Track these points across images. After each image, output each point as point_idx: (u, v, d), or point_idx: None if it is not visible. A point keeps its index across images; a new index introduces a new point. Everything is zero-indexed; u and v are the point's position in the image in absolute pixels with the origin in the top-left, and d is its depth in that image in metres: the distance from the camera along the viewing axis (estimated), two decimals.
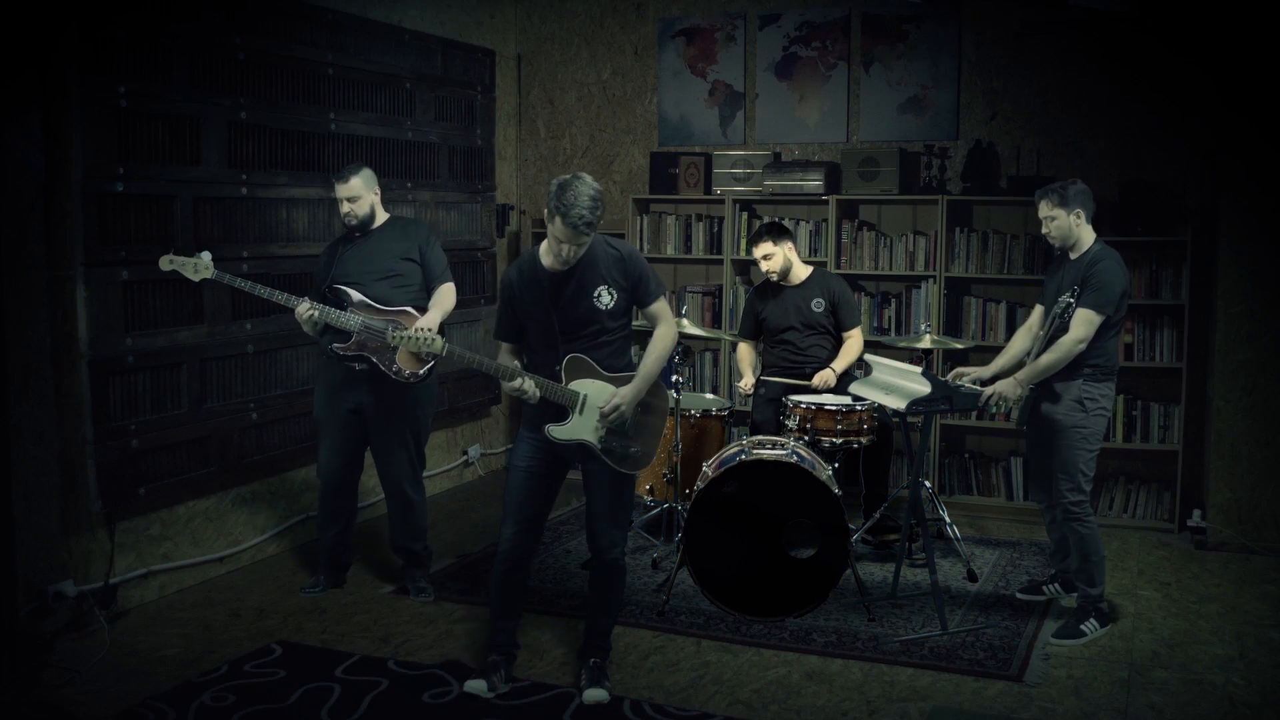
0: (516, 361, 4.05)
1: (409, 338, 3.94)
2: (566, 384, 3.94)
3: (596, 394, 3.94)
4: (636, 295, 4.01)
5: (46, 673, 4.19)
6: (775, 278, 5.82)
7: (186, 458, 5.02)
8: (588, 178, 3.78)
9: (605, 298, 3.92)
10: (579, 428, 3.95)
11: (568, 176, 3.78)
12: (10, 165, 4.21)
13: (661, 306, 4.07)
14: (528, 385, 3.86)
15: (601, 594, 4.17)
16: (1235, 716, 3.98)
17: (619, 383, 3.98)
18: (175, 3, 4.86)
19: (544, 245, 3.92)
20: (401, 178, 6.29)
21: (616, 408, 3.92)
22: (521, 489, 4.02)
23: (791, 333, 5.80)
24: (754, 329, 5.97)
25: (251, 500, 5.46)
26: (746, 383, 5.84)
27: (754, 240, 5.82)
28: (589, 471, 4.07)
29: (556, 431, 3.93)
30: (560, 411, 3.95)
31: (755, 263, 5.87)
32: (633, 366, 4.07)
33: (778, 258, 5.76)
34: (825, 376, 5.60)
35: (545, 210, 3.81)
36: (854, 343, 5.79)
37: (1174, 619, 4.85)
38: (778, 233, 5.79)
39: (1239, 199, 5.71)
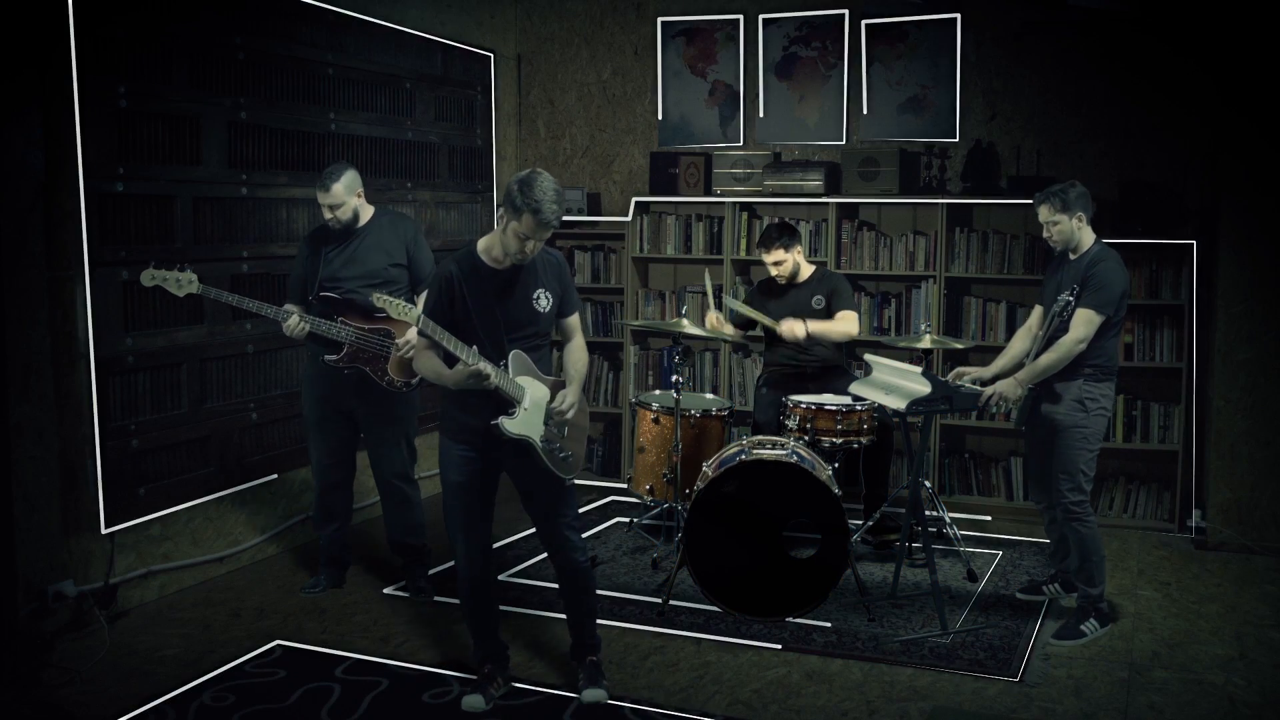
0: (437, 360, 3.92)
1: (390, 302, 3.83)
2: (513, 379, 3.89)
3: (536, 391, 3.90)
4: (563, 304, 4.00)
5: (46, 673, 4.19)
6: (784, 281, 5.80)
7: (186, 458, 5.02)
8: (544, 172, 3.73)
9: (543, 301, 3.91)
10: (525, 424, 3.87)
11: (525, 173, 3.72)
12: (10, 165, 4.21)
13: (578, 320, 4.10)
14: (491, 370, 3.75)
15: (575, 600, 4.12)
16: (1235, 716, 3.98)
17: (551, 385, 3.96)
18: (175, 3, 4.87)
19: (483, 242, 3.86)
20: (401, 178, 6.30)
21: (572, 404, 3.92)
22: (463, 506, 3.93)
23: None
24: (749, 323, 5.91)
25: (251, 500, 5.46)
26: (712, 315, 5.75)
27: (764, 245, 5.74)
28: (527, 486, 3.99)
29: (510, 425, 3.82)
30: (501, 406, 3.86)
31: (760, 264, 5.84)
32: (551, 371, 4.03)
33: (788, 263, 5.73)
34: (793, 326, 5.52)
35: (504, 208, 3.73)
36: (845, 318, 5.66)
37: (1174, 619, 4.85)
38: (789, 236, 5.74)
39: (1239, 199, 5.71)
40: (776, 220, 6.22)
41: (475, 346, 3.81)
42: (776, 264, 5.72)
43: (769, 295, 5.88)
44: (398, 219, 5.00)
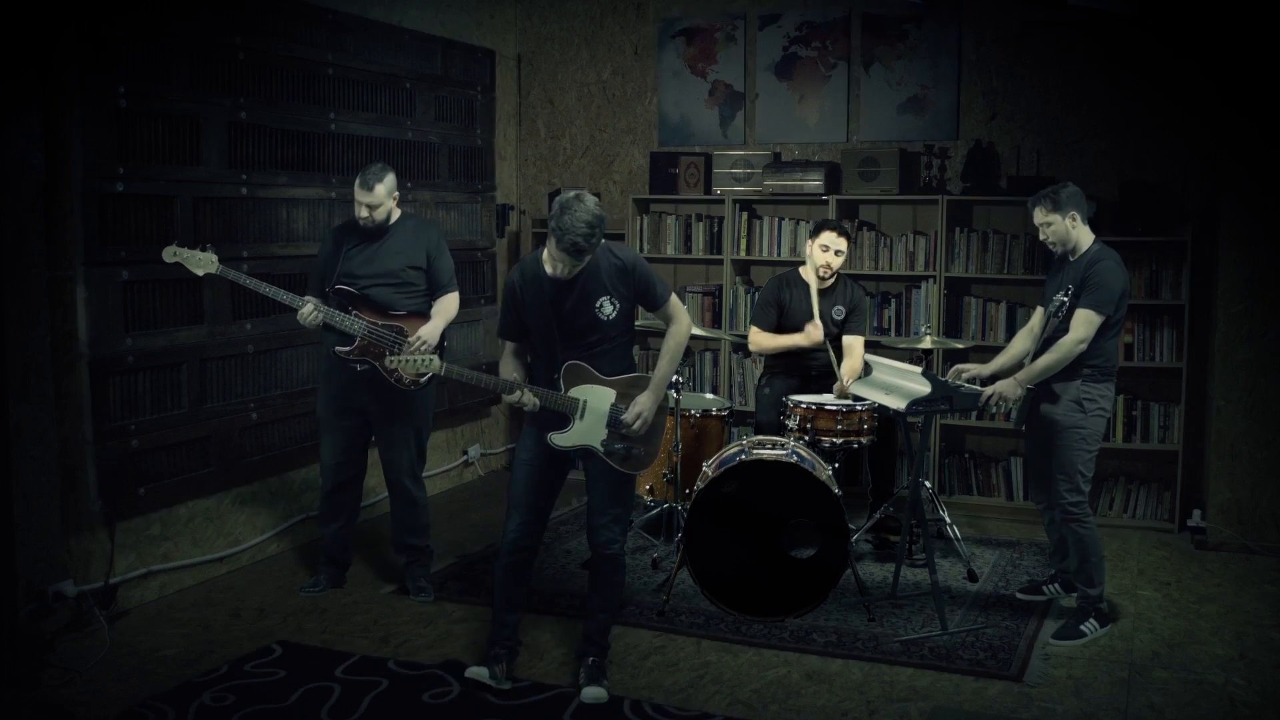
0: (518, 363, 4.05)
1: (407, 360, 3.95)
2: (565, 391, 3.94)
3: (597, 398, 3.95)
4: (645, 302, 4.03)
5: (46, 673, 4.19)
6: (828, 274, 5.67)
7: (186, 458, 5.02)
8: (590, 199, 3.74)
9: (608, 308, 3.92)
10: (581, 433, 3.96)
11: (570, 196, 3.73)
12: (10, 165, 4.21)
13: (673, 305, 4.09)
14: (527, 398, 3.88)
15: (602, 590, 4.17)
16: (1235, 716, 3.98)
17: (617, 385, 3.99)
18: (175, 3, 4.86)
19: (548, 251, 3.90)
20: (401, 178, 6.25)
21: (639, 416, 3.96)
22: (525, 482, 4.04)
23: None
24: (775, 321, 5.77)
25: (251, 500, 5.46)
26: (814, 328, 5.58)
27: (835, 229, 5.59)
28: (590, 469, 4.09)
29: (560, 440, 3.93)
30: (561, 419, 3.95)
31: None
32: (632, 368, 4.09)
33: (845, 256, 5.67)
34: (845, 391, 5.49)
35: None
36: (857, 351, 5.68)
37: (1174, 619, 4.85)
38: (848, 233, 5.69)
39: (1239, 199, 5.71)
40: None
41: (516, 359, 3.97)
42: (839, 252, 5.61)
43: (794, 294, 5.77)
44: (422, 224, 5.06)
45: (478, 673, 4.03)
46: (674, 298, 4.10)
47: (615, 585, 4.18)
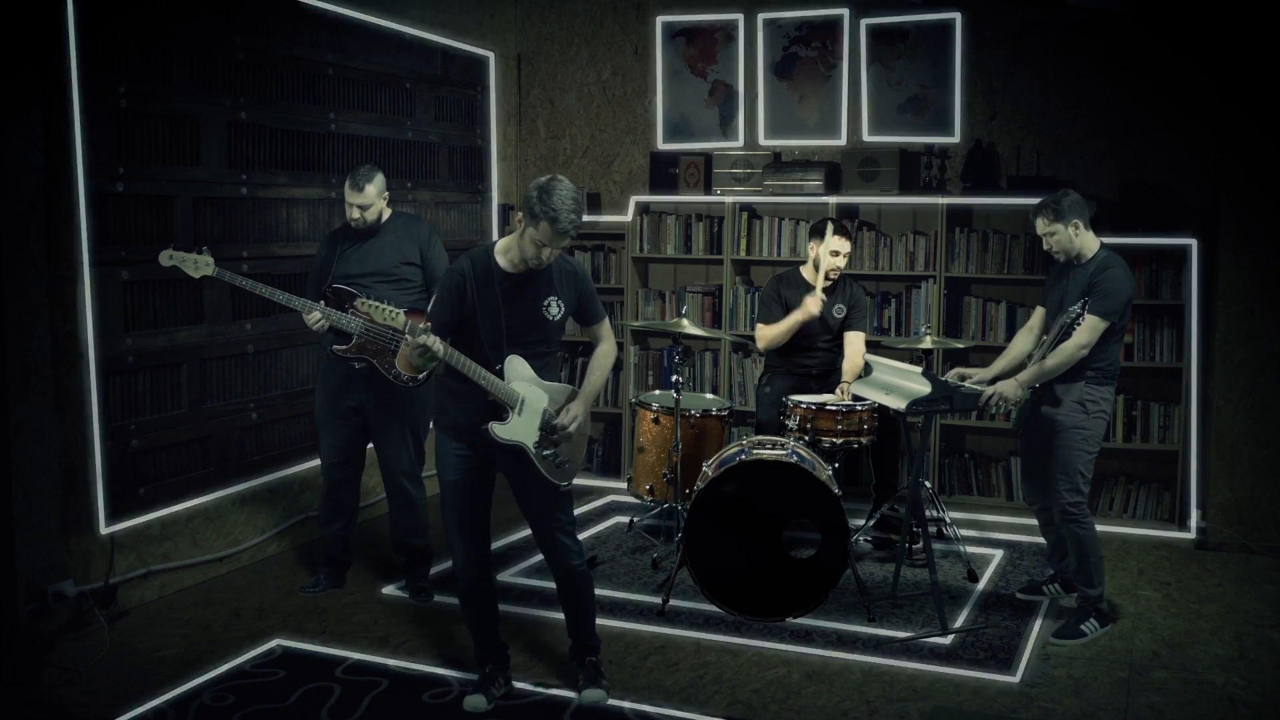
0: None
1: (375, 306, 3.81)
2: (508, 384, 3.90)
3: (534, 397, 3.89)
4: (583, 312, 4.02)
5: (46, 673, 4.19)
6: (834, 276, 5.70)
7: (186, 458, 5.02)
8: (564, 179, 3.73)
9: (554, 309, 3.90)
10: (518, 429, 3.86)
11: (544, 180, 3.71)
12: (10, 165, 4.21)
13: (606, 326, 4.09)
14: (440, 346, 3.67)
15: (572, 602, 4.12)
16: (1235, 716, 3.98)
17: (551, 393, 3.93)
18: (175, 3, 4.87)
19: (502, 244, 3.86)
20: (401, 178, 6.30)
21: (575, 418, 3.90)
22: (460, 506, 3.93)
23: (808, 333, 5.74)
24: (780, 319, 5.73)
25: (251, 500, 5.46)
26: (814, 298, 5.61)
27: (839, 231, 5.63)
28: (522, 488, 3.99)
29: (499, 430, 3.83)
30: (496, 410, 3.87)
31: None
32: (559, 381, 4.03)
33: (848, 258, 5.69)
34: (847, 390, 5.51)
35: (522, 214, 3.72)
36: (856, 350, 5.70)
37: (1174, 619, 4.86)
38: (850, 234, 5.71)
39: (1239, 199, 5.71)
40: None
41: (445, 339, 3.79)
42: (845, 255, 5.64)
43: (795, 292, 5.75)
44: (412, 220, 5.07)
45: (475, 703, 3.96)
46: (608, 322, 4.13)
47: (587, 595, 4.12)
